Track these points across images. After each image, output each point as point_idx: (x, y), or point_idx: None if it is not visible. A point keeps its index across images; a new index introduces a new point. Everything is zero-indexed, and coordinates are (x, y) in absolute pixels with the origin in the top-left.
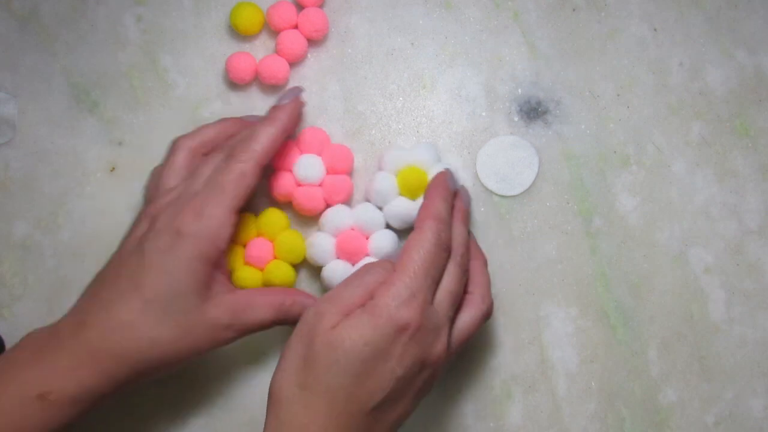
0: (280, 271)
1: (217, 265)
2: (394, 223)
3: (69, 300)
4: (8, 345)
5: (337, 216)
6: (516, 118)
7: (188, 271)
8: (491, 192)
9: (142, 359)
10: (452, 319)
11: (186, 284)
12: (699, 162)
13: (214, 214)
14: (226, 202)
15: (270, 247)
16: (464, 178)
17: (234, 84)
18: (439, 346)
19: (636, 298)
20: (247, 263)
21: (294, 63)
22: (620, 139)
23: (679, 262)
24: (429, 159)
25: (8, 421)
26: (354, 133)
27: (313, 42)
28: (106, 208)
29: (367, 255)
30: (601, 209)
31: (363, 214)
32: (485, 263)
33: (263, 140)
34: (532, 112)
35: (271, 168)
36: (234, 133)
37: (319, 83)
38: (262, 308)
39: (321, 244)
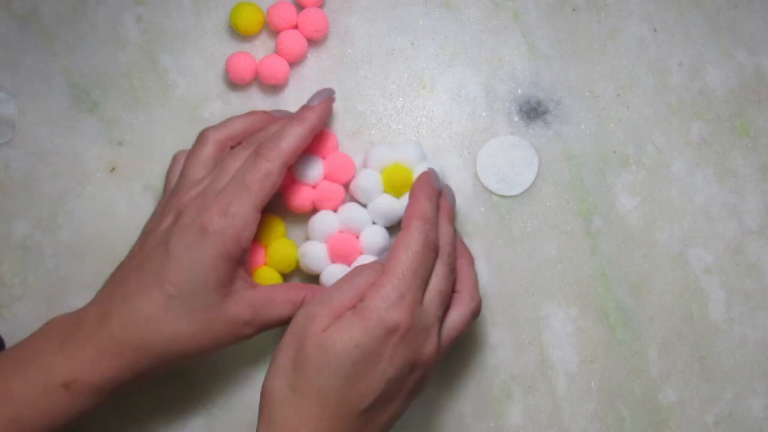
0: (269, 278)
1: (240, 262)
2: (379, 221)
3: (69, 300)
4: (8, 345)
5: (323, 222)
6: (516, 118)
7: (212, 269)
8: (491, 192)
9: (163, 352)
10: (442, 319)
11: (209, 281)
12: (699, 162)
13: (240, 213)
14: (252, 201)
15: (262, 253)
16: (464, 178)
17: (234, 84)
18: (429, 347)
19: (636, 298)
20: None
21: (294, 63)
22: (620, 139)
23: (679, 262)
24: (414, 157)
25: (34, 409)
26: (354, 133)
27: (313, 42)
28: (106, 208)
29: (361, 253)
30: (601, 209)
31: (348, 214)
32: (472, 261)
33: (291, 140)
34: (532, 112)
35: None
36: (262, 127)
37: (319, 83)
38: (282, 305)
39: (314, 252)
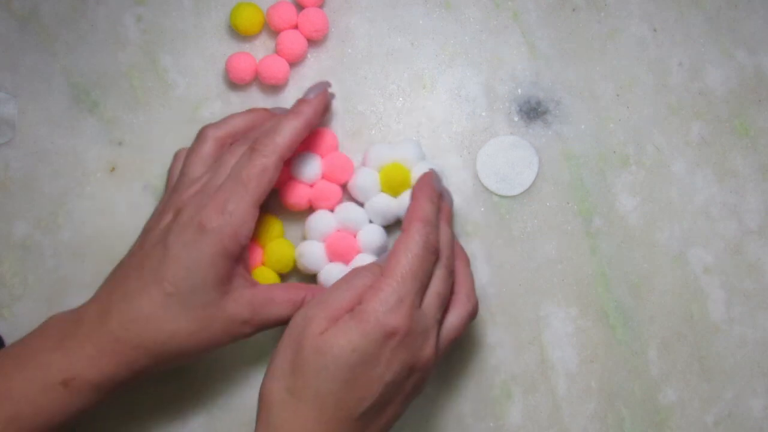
0: (266, 279)
1: (239, 259)
2: (376, 220)
3: (69, 300)
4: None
5: (321, 221)
6: (516, 118)
7: (210, 267)
8: (491, 192)
9: (161, 350)
10: (440, 321)
11: (207, 279)
12: (699, 162)
13: (237, 210)
14: (249, 197)
15: (260, 253)
16: (464, 178)
17: (234, 84)
18: (427, 350)
19: (636, 298)
20: None
21: (294, 63)
22: (620, 139)
23: (679, 262)
24: (413, 156)
25: (33, 406)
26: (354, 133)
27: (313, 42)
28: (106, 208)
29: (359, 253)
30: (601, 209)
31: (346, 213)
32: (468, 263)
33: (286, 134)
34: (532, 112)
35: None
36: (262, 124)
37: None
38: (281, 305)
39: (311, 251)
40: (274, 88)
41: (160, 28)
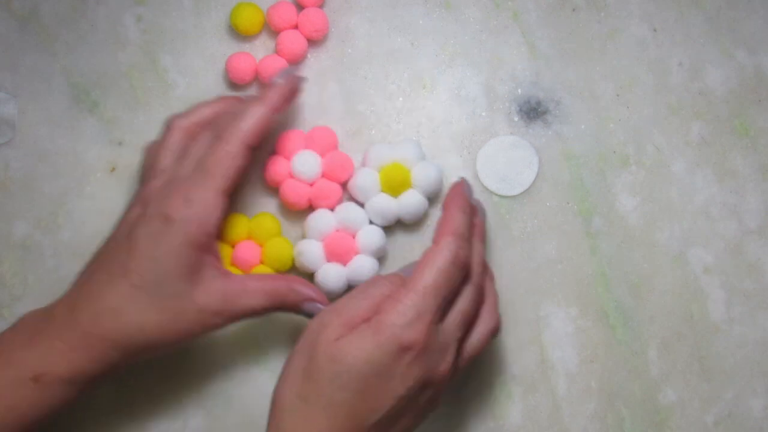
0: None
1: (207, 249)
2: (376, 220)
3: None
4: None
5: (320, 220)
6: (516, 118)
7: (177, 257)
8: (491, 192)
9: (131, 343)
10: (461, 339)
11: (174, 270)
12: (699, 162)
13: (202, 199)
14: (214, 185)
15: (258, 252)
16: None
17: (234, 84)
18: (443, 366)
19: (636, 298)
20: (232, 264)
21: (294, 63)
22: (620, 139)
23: (679, 262)
24: (413, 156)
25: (4, 402)
26: (354, 133)
27: (313, 42)
28: (106, 208)
29: (357, 253)
30: (601, 209)
31: (345, 213)
32: (492, 279)
33: (251, 121)
34: (532, 112)
35: (272, 151)
36: (231, 112)
37: (319, 83)
38: (255, 295)
39: (310, 250)
40: None
41: (160, 28)
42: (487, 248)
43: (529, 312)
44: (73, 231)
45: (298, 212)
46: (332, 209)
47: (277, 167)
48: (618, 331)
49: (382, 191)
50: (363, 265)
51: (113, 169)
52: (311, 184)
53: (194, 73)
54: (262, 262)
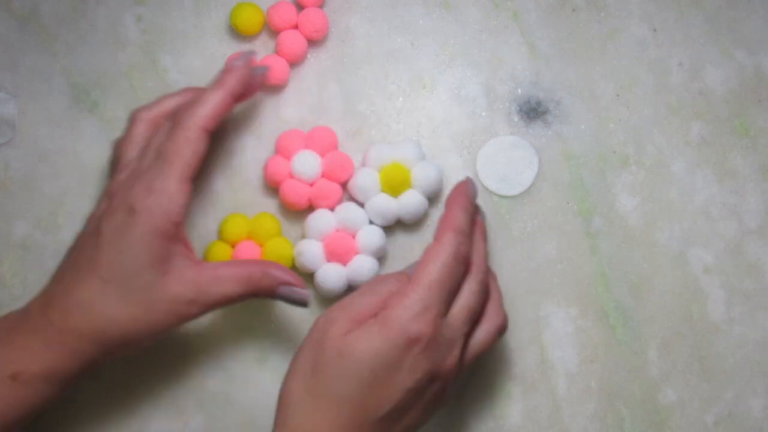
0: None
1: (175, 237)
2: (376, 220)
3: None
4: None
5: (320, 220)
6: (516, 118)
7: (143, 248)
8: (491, 192)
9: (105, 338)
10: (467, 335)
11: (142, 261)
12: (699, 162)
13: (164, 187)
14: (175, 172)
15: (258, 252)
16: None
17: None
18: (450, 360)
19: (636, 298)
20: None
21: (294, 63)
22: (620, 139)
23: (679, 262)
24: (413, 156)
25: None
26: (354, 133)
27: (313, 42)
28: None
29: (357, 253)
30: (601, 209)
31: (345, 213)
32: (495, 278)
33: (208, 105)
34: (532, 112)
35: (272, 150)
36: None
37: (319, 83)
38: (228, 281)
39: (309, 250)
40: (274, 88)
41: (160, 28)
42: (488, 248)
43: (529, 312)
44: (73, 231)
45: (298, 212)
46: (332, 209)
47: (277, 167)
48: (618, 331)
49: (382, 191)
50: (363, 265)
51: None
52: (311, 184)
53: (194, 73)
54: None
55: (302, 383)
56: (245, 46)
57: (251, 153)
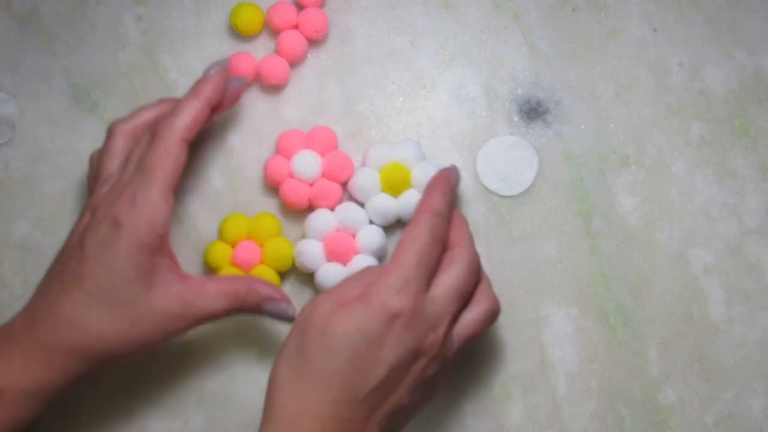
0: (266, 277)
1: (160, 250)
2: (376, 220)
3: None
4: None
5: (320, 220)
6: (516, 118)
7: (128, 262)
8: (491, 192)
9: (91, 353)
10: (454, 316)
11: (127, 275)
12: (699, 162)
13: (147, 200)
14: (157, 184)
15: (258, 252)
16: (464, 178)
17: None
18: (432, 336)
19: (636, 298)
20: (233, 264)
21: (294, 63)
22: (620, 139)
23: (679, 262)
24: (412, 156)
25: None
26: (354, 133)
27: (313, 42)
28: None
29: (357, 253)
30: (601, 209)
31: (346, 213)
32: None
33: (186, 115)
34: (532, 112)
35: (272, 150)
36: None
37: (319, 83)
38: (214, 297)
39: (310, 250)
40: (274, 88)
41: (160, 28)
42: (487, 248)
43: (529, 312)
44: None
45: (298, 212)
46: (332, 209)
47: (277, 167)
48: (618, 331)
49: (382, 191)
50: (363, 265)
51: None
52: (311, 184)
53: (194, 73)
54: (262, 262)
55: (288, 365)
56: (245, 46)
57: (251, 153)
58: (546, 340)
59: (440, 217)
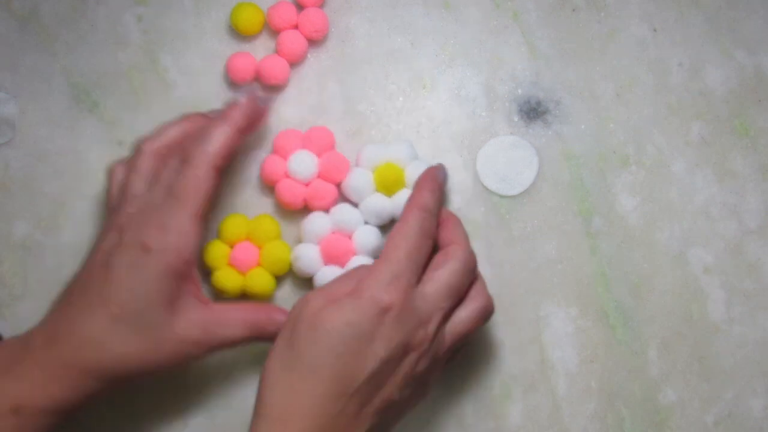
0: (261, 280)
1: (186, 277)
2: (371, 220)
3: None
4: None
5: (315, 223)
6: (516, 118)
7: (156, 287)
8: (491, 192)
9: (111, 374)
10: (446, 312)
11: (154, 300)
12: (699, 162)
13: (178, 226)
14: (187, 211)
15: (256, 253)
16: (464, 178)
17: (234, 84)
18: (423, 332)
19: (636, 298)
20: (230, 264)
21: (294, 63)
22: (620, 139)
23: (679, 262)
24: (406, 156)
25: None
26: (354, 133)
27: (313, 42)
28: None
29: (354, 254)
30: (601, 209)
31: (340, 215)
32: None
33: (216, 142)
34: (532, 112)
35: (269, 149)
36: (198, 130)
37: (319, 83)
38: (235, 325)
39: (307, 254)
40: (274, 88)
41: (161, 28)
42: (487, 248)
43: (529, 312)
44: (73, 231)
45: (295, 213)
46: (328, 210)
47: (273, 166)
48: (618, 331)
49: (376, 191)
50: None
51: None
52: (307, 184)
53: (194, 73)
54: (259, 264)
55: (278, 360)
56: (245, 46)
57: (251, 153)
58: (546, 340)
59: (429, 213)
